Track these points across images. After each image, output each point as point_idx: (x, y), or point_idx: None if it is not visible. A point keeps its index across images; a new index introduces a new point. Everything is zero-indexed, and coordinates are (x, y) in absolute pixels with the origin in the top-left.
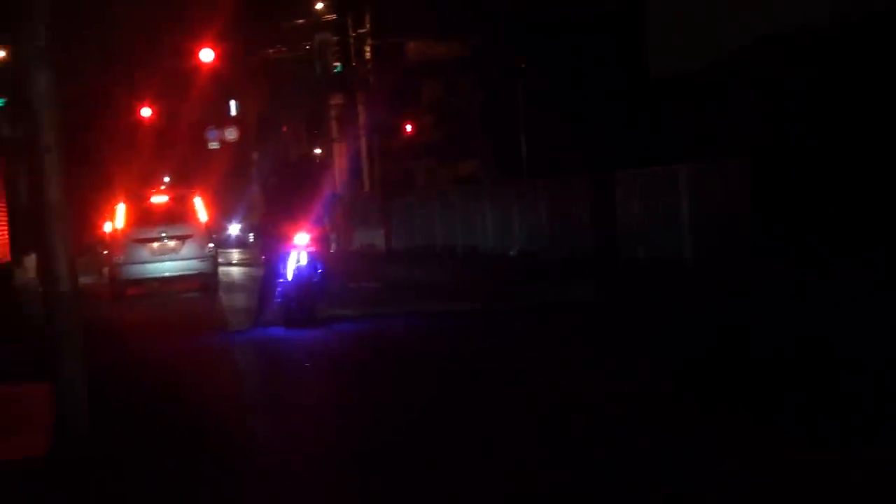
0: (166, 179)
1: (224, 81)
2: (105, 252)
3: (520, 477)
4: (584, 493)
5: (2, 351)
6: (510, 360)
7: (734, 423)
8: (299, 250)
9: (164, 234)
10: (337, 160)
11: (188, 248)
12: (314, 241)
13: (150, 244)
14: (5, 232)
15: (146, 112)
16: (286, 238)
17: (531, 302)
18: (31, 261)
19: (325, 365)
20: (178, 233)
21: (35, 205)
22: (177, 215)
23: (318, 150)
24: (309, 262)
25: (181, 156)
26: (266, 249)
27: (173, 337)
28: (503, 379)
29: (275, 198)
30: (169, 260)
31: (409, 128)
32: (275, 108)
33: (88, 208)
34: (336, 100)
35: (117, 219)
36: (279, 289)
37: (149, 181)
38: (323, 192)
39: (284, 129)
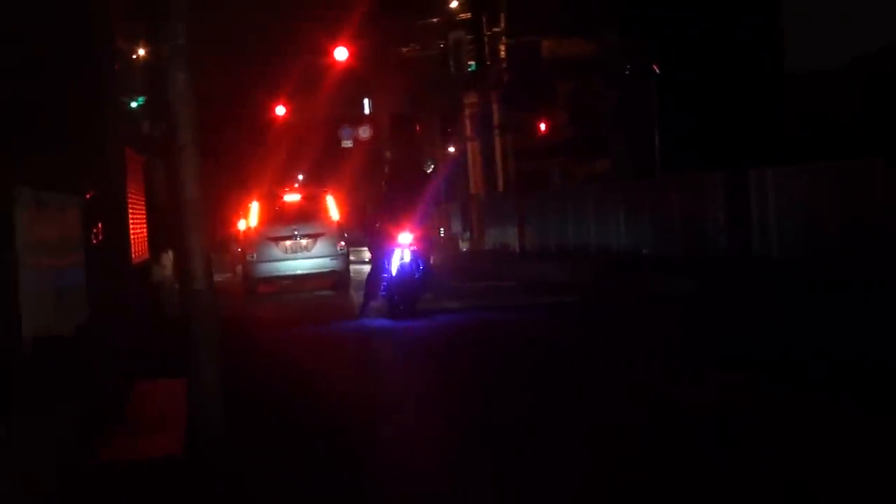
0: (299, 177)
1: (358, 79)
2: (239, 249)
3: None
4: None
5: (140, 348)
6: (593, 350)
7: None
8: (403, 248)
9: (296, 233)
10: (471, 159)
11: (320, 247)
12: (417, 240)
13: (283, 242)
14: (144, 230)
15: (280, 110)
16: (391, 237)
17: (636, 297)
18: (167, 258)
19: (422, 353)
20: (311, 231)
21: (173, 203)
22: (309, 213)
23: (451, 149)
24: (411, 260)
25: (314, 154)
26: (373, 247)
27: (294, 329)
28: (581, 365)
29: (383, 201)
30: (301, 258)
31: (543, 126)
32: (408, 106)
33: (223, 206)
34: (470, 98)
35: (251, 217)
36: (384, 283)
37: (282, 179)
38: (426, 196)
39: (418, 128)
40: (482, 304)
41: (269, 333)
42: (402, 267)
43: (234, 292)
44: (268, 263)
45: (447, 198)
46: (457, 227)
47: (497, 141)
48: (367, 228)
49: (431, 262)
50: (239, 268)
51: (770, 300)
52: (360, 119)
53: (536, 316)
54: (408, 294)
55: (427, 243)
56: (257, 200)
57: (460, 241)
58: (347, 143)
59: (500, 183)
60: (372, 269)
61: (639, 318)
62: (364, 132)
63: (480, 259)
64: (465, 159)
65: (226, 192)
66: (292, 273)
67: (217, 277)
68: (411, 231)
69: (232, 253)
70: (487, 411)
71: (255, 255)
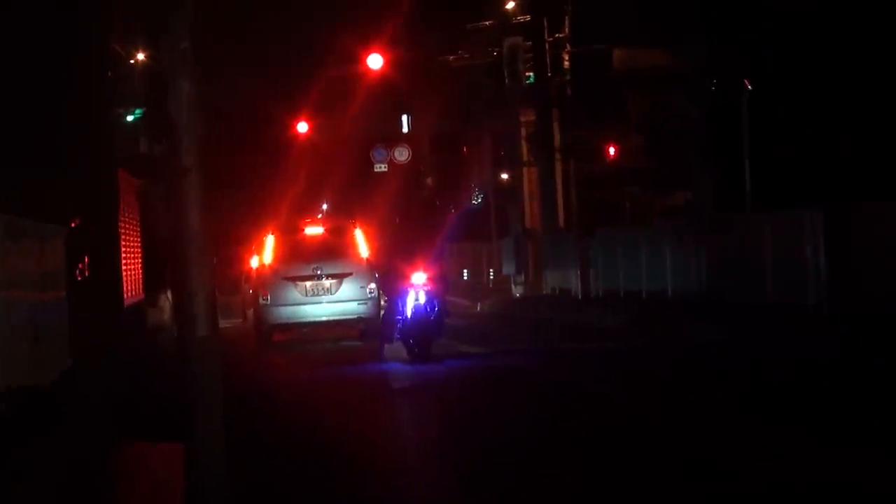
0: (324, 207)
1: (394, 93)
2: (250, 291)
3: None
4: None
5: (132, 404)
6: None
7: None
8: (417, 289)
9: (319, 272)
10: (527, 188)
11: (347, 289)
12: (431, 279)
13: (303, 283)
14: (139, 265)
15: (302, 128)
16: (405, 277)
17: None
18: (165, 299)
19: (435, 404)
20: (336, 270)
21: (173, 235)
22: (334, 250)
23: (504, 175)
24: (426, 300)
25: (341, 180)
26: (387, 288)
27: (306, 377)
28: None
29: (395, 238)
30: (324, 302)
31: (612, 150)
32: (454, 125)
33: (233, 240)
34: (527, 116)
35: (265, 253)
36: (398, 325)
37: (303, 209)
38: (441, 232)
39: (465, 150)
40: (502, 347)
41: (281, 388)
42: (416, 308)
43: (243, 341)
44: (284, 308)
45: (498, 234)
46: (509, 267)
47: (558, 167)
48: (379, 268)
49: (446, 302)
50: (250, 312)
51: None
52: (396, 139)
53: (562, 363)
54: (423, 337)
55: (442, 283)
56: (273, 233)
57: (513, 285)
58: (381, 168)
59: (561, 216)
60: (386, 311)
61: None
62: (401, 154)
63: (534, 306)
64: (520, 188)
65: (236, 224)
66: (313, 319)
67: (224, 323)
68: (425, 270)
69: (242, 295)
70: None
71: (269, 298)
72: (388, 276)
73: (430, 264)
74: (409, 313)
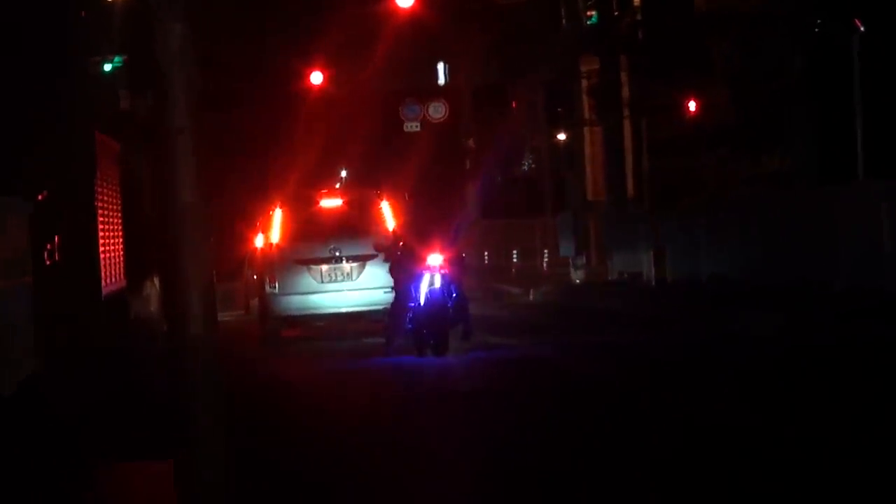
0: (343, 175)
1: (428, 37)
2: (254, 277)
3: None
4: None
5: (114, 414)
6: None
7: None
8: (432, 272)
9: (337, 253)
10: (588, 152)
11: (371, 274)
12: (448, 262)
13: (318, 266)
14: (120, 246)
15: (317, 79)
16: (418, 259)
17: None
18: (152, 287)
19: (457, 403)
20: (358, 251)
21: (161, 210)
22: (356, 226)
23: (561, 136)
24: (442, 285)
25: (364, 142)
26: (397, 271)
27: (314, 377)
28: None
29: (408, 215)
30: (344, 290)
31: (692, 106)
32: (500, 75)
33: (233, 215)
34: (589, 65)
35: (272, 230)
36: (410, 314)
37: (318, 177)
38: (459, 208)
39: (514, 104)
40: (528, 340)
41: (288, 392)
42: (431, 294)
43: (246, 338)
44: (295, 297)
45: (554, 207)
46: (567, 248)
47: (627, 126)
48: (388, 248)
49: (465, 287)
50: (254, 303)
51: None
52: (431, 93)
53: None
54: (438, 327)
55: (460, 266)
56: (282, 207)
57: (572, 269)
58: (413, 127)
59: (630, 186)
60: (395, 299)
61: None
62: (436, 111)
63: (597, 294)
64: (581, 152)
65: (238, 196)
66: (330, 311)
67: (223, 316)
68: (442, 251)
69: (245, 281)
70: None
71: (277, 285)
72: (397, 258)
73: (448, 244)
74: (422, 300)
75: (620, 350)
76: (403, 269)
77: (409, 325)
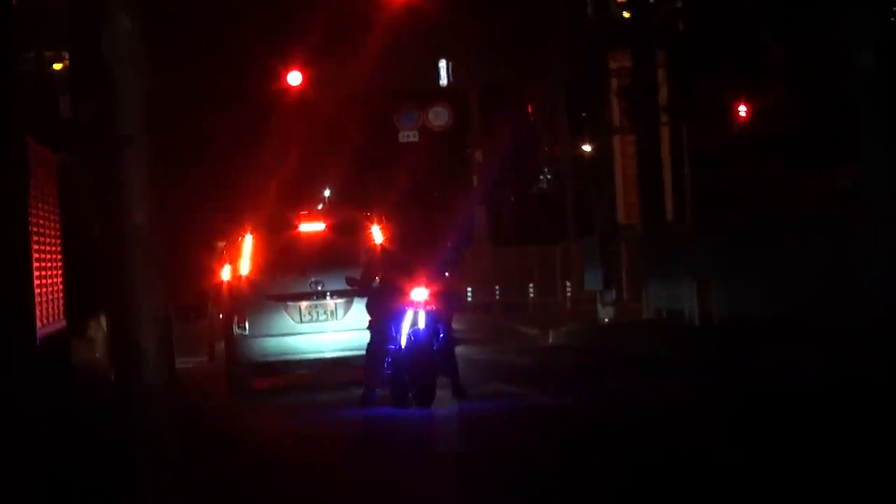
0: (326, 194)
1: (428, 30)
2: (221, 315)
3: None
4: None
5: (48, 484)
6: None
7: None
8: (416, 309)
9: (319, 287)
10: (619, 165)
11: (359, 312)
12: (435, 296)
13: (296, 303)
14: (59, 279)
15: (295, 79)
16: (399, 292)
17: None
18: (98, 327)
19: (437, 468)
20: (344, 286)
21: (107, 234)
22: (342, 255)
23: (587, 147)
24: (428, 325)
25: (352, 154)
26: (374, 308)
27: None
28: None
29: (385, 244)
30: (327, 330)
31: (742, 110)
32: (512, 75)
33: (195, 242)
34: (619, 61)
35: (242, 260)
36: (389, 358)
37: (297, 197)
38: (450, 232)
39: (530, 109)
40: (541, 389)
41: (259, 457)
42: (414, 335)
43: (210, 390)
44: (269, 340)
45: (578, 232)
46: (594, 280)
47: (665, 133)
48: (361, 281)
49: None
50: (220, 347)
51: None
52: (430, 96)
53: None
54: (422, 373)
55: (449, 301)
56: (253, 232)
57: (599, 306)
58: (410, 136)
59: (669, 206)
60: (372, 339)
61: None
62: (438, 117)
63: (630, 336)
64: (610, 165)
65: (201, 218)
66: (311, 356)
67: (183, 363)
68: (427, 284)
69: (209, 322)
70: None
71: (247, 326)
72: (375, 292)
73: (434, 275)
74: (403, 341)
75: (652, 403)
76: (382, 305)
77: (388, 371)
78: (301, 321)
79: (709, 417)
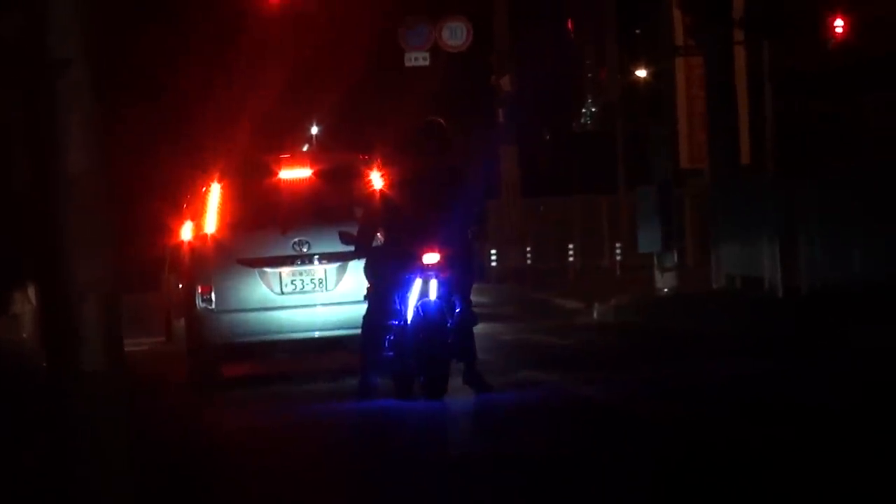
0: (313, 132)
1: None
2: (180, 286)
3: None
4: None
5: None
6: None
7: None
8: (426, 275)
9: (304, 249)
10: (682, 94)
11: (355, 280)
12: (450, 260)
13: (276, 270)
14: None
15: None
16: (404, 257)
17: None
18: (25, 299)
19: (447, 476)
20: (336, 247)
21: (37, 186)
22: (332, 209)
23: (641, 73)
24: (441, 295)
25: (345, 83)
26: (374, 272)
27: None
28: None
29: (389, 192)
30: (315, 304)
31: (839, 25)
32: None
33: (149, 192)
34: None
35: (207, 215)
36: (391, 335)
37: (275, 136)
38: (471, 180)
39: (570, 25)
40: (561, 376)
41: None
42: (422, 308)
43: (168, 378)
44: (242, 316)
45: (631, 180)
46: (650, 241)
47: (740, 54)
48: (359, 237)
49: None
50: (180, 324)
51: None
52: (445, 9)
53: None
54: (432, 357)
55: (468, 267)
56: (221, 180)
57: (657, 272)
58: (418, 59)
59: (746, 147)
60: (369, 312)
61: None
62: (454, 35)
63: (696, 310)
64: (671, 95)
65: (155, 163)
66: (294, 336)
67: (133, 345)
68: (440, 245)
69: (166, 293)
70: None
71: (214, 299)
72: (374, 256)
73: (448, 237)
74: (409, 316)
75: (729, 401)
76: (383, 269)
77: (389, 353)
78: (282, 292)
79: (819, 422)
